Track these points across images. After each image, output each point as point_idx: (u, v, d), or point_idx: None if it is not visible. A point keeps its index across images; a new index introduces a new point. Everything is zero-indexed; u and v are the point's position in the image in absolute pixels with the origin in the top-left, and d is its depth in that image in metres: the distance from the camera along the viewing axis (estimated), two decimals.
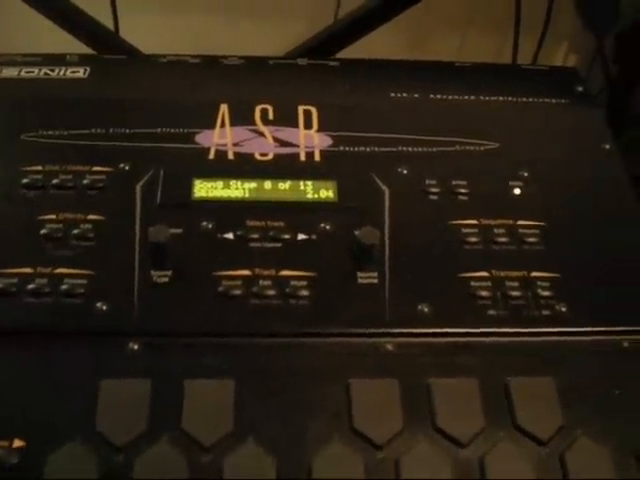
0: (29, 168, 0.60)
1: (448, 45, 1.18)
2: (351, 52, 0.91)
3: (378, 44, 0.97)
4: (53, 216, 0.58)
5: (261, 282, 0.55)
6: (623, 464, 0.49)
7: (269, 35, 1.10)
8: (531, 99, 0.69)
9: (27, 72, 0.68)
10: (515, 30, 0.97)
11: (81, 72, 0.68)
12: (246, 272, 0.56)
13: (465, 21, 1.16)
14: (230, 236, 0.57)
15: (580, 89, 0.70)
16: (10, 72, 0.67)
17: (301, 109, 0.66)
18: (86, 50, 0.86)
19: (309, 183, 0.60)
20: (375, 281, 0.56)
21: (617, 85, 0.98)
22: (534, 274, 0.57)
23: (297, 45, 0.94)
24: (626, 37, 0.98)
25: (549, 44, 1.07)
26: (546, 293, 0.56)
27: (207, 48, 0.73)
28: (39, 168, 0.60)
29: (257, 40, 1.02)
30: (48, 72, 0.68)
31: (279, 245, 0.57)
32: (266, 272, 0.56)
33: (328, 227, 0.58)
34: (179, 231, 0.57)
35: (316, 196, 0.60)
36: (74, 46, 0.85)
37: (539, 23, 1.01)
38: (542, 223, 0.60)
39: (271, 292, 0.55)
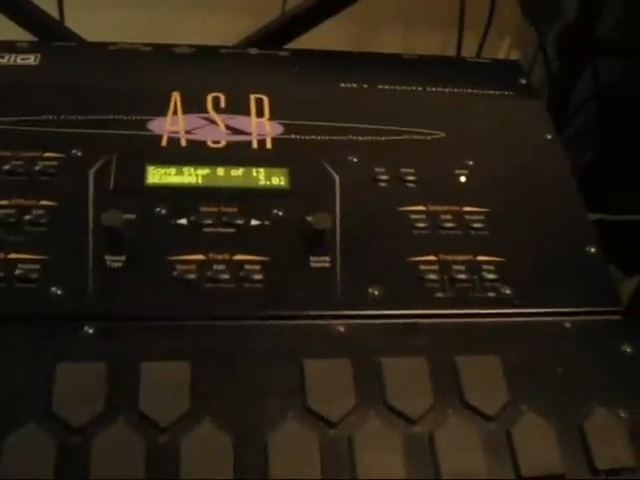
0: None
1: (393, 39, 1.21)
2: (297, 45, 0.92)
3: (324, 38, 0.98)
4: (5, 202, 0.57)
5: (215, 266, 0.56)
6: (566, 438, 0.52)
7: (215, 28, 1.11)
8: (476, 91, 0.71)
9: None
10: (459, 25, 0.99)
11: (32, 59, 0.68)
12: (200, 257, 0.56)
13: (410, 16, 1.18)
14: (184, 221, 0.58)
15: (523, 81, 0.73)
16: None
17: (253, 97, 0.67)
18: (30, 38, 0.85)
19: (261, 170, 0.61)
20: (327, 265, 0.57)
21: (558, 80, 1.01)
22: (480, 258, 0.59)
23: (245, 37, 0.94)
24: (567, 33, 1.01)
25: (492, 39, 1.09)
26: (491, 276, 0.58)
27: (152, 41, 0.73)
28: None
29: (203, 33, 1.02)
30: None
31: (233, 230, 0.58)
32: (220, 257, 0.57)
33: (280, 213, 0.59)
34: (133, 216, 0.57)
35: (268, 183, 0.61)
36: (16, 33, 0.85)
37: (482, 18, 1.04)
38: (487, 209, 0.62)
39: (225, 276, 0.56)
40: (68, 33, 0.92)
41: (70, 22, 0.95)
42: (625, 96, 1.00)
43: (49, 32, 0.90)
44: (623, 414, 0.53)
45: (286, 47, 0.86)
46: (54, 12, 0.94)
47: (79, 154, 0.61)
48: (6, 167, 0.59)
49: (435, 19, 1.16)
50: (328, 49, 0.75)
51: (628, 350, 0.56)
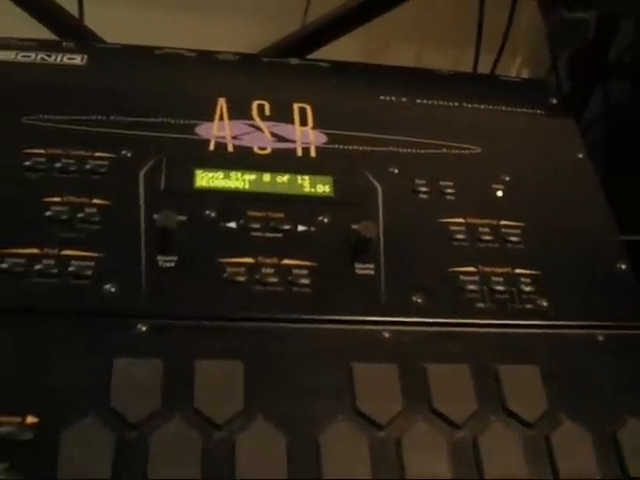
0: (31, 151, 0.61)
1: (405, 56, 1.23)
2: (313, 57, 0.93)
3: (338, 51, 1.00)
4: (58, 199, 0.59)
5: (264, 270, 0.58)
6: (601, 446, 0.54)
7: (235, 34, 1.12)
8: (509, 108, 0.73)
9: (24, 56, 0.68)
10: (477, 42, 1.01)
11: (78, 59, 0.69)
12: (249, 260, 0.58)
13: (423, 32, 1.21)
14: (233, 225, 0.59)
15: (554, 101, 0.75)
16: (6, 55, 0.68)
17: (296, 106, 0.68)
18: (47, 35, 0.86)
19: (306, 178, 0.63)
20: (372, 272, 0.59)
21: (569, 100, 1.04)
22: (517, 271, 0.61)
23: (267, 46, 0.96)
24: (580, 55, 1.04)
25: (503, 58, 1.12)
26: (528, 288, 0.60)
27: (167, 44, 0.74)
28: (41, 151, 0.61)
29: (222, 39, 1.04)
30: (45, 57, 0.68)
31: (280, 235, 0.60)
32: (269, 260, 0.58)
33: (326, 220, 0.61)
34: (183, 218, 0.59)
35: (313, 190, 0.63)
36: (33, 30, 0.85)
37: (494, 36, 1.06)
38: (522, 224, 0.64)
39: (273, 279, 0.57)
40: (87, 32, 0.93)
41: (89, 21, 0.96)
42: (635, 117, 1.03)
43: (68, 30, 0.91)
44: None
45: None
46: (74, 10, 0.95)
47: (129, 155, 0.62)
48: (57, 165, 0.61)
49: (448, 36, 1.19)
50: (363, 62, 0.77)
51: None
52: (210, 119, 0.66)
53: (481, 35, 1.02)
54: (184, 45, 0.74)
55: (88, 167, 0.61)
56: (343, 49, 1.02)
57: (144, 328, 0.54)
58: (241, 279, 0.57)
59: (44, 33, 0.88)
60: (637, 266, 0.93)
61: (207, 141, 0.64)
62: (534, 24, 1.12)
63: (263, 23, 1.12)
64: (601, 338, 0.60)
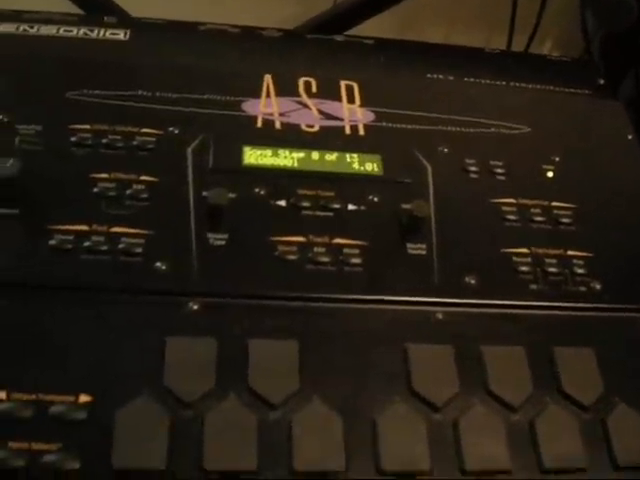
0: (77, 126, 0.60)
1: (434, 36, 1.21)
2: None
3: (366, 30, 0.99)
4: (105, 175, 0.58)
5: (315, 249, 0.57)
6: None
7: (266, 11, 1.11)
8: (557, 88, 0.72)
9: (65, 31, 0.67)
10: (510, 24, 1.00)
11: (121, 35, 0.68)
12: (300, 238, 0.57)
13: (452, 13, 1.19)
14: (283, 203, 0.59)
15: (601, 82, 0.74)
16: (48, 30, 0.67)
17: (343, 84, 0.67)
18: (70, 8, 0.85)
19: (355, 156, 0.62)
20: (424, 252, 0.58)
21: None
22: (570, 252, 0.60)
23: (299, 24, 0.95)
24: (613, 38, 1.02)
25: (535, 40, 1.10)
26: (581, 271, 0.59)
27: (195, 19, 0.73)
28: (87, 127, 0.60)
29: (251, 16, 1.02)
30: (87, 32, 0.67)
31: (330, 214, 0.59)
32: (320, 239, 0.57)
33: (376, 199, 0.60)
34: (233, 196, 0.58)
35: (362, 169, 0.62)
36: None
37: (525, 17, 1.05)
38: (574, 205, 0.63)
39: (325, 259, 0.56)
40: (115, 7, 0.92)
41: None
42: None
43: (95, 5, 0.89)
44: None
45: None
46: None
47: (176, 132, 0.61)
48: (104, 140, 0.60)
49: (479, 17, 1.17)
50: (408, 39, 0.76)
51: None
52: (257, 96, 0.65)
53: (515, 15, 1.00)
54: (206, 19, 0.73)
55: (135, 143, 0.60)
56: (372, 29, 1.01)
57: (195, 307, 0.53)
58: (292, 258, 0.56)
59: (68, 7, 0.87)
60: None
61: (254, 117, 0.63)
62: (565, 5, 1.10)
63: (293, 1, 1.10)
64: None
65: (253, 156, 0.61)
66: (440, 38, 1.20)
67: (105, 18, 0.69)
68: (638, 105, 1.06)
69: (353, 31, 0.93)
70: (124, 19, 0.71)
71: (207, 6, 1.09)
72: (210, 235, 0.56)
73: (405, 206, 0.59)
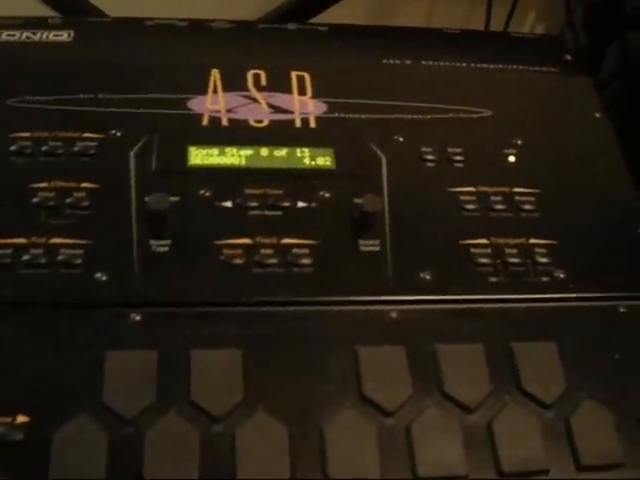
0: (17, 134, 0.58)
1: (415, 13, 1.18)
2: (318, 19, 0.89)
3: (344, 11, 0.96)
4: (45, 184, 0.56)
5: (262, 251, 0.55)
6: (625, 426, 0.51)
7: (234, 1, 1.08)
8: (521, 67, 0.69)
9: (8, 35, 0.65)
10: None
11: (65, 35, 0.66)
12: (247, 241, 0.55)
13: None
14: (229, 204, 0.56)
15: (568, 57, 0.71)
16: None
17: (294, 75, 0.65)
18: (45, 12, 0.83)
19: (306, 150, 0.60)
20: (377, 249, 0.56)
21: (586, 54, 0.99)
22: (532, 241, 0.58)
23: (268, 11, 0.92)
24: (596, 7, 0.98)
25: (516, 14, 1.07)
26: (544, 260, 0.57)
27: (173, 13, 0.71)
28: (27, 135, 0.58)
29: (218, 5, 0.99)
30: (30, 35, 0.65)
31: (279, 213, 0.57)
32: (267, 240, 0.55)
33: (327, 195, 0.58)
34: (176, 199, 0.56)
35: (313, 163, 0.59)
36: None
37: None
38: (537, 190, 0.60)
39: (273, 260, 0.54)
40: (91, 8, 0.90)
41: None
42: None
43: (71, 7, 0.87)
44: None
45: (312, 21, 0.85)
46: None
47: (118, 134, 0.59)
48: (44, 148, 0.58)
49: None
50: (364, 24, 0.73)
51: None
52: (203, 92, 0.63)
53: None
54: (184, 15, 0.70)
55: (76, 149, 0.58)
56: (348, 11, 0.98)
57: (138, 317, 0.52)
58: (239, 261, 0.54)
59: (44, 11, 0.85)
60: None
61: (200, 116, 0.61)
62: None
63: None
64: (623, 310, 0.56)
65: (199, 156, 0.58)
66: (421, 14, 1.17)
67: (49, 20, 0.67)
68: (623, 76, 1.03)
69: (327, 16, 0.91)
70: (73, 20, 0.69)
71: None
72: (152, 242, 0.54)
73: (357, 201, 0.56)
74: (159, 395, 0.48)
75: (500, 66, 0.69)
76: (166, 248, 0.54)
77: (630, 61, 1.01)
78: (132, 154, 0.58)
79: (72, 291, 0.52)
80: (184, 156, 0.58)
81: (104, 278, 0.52)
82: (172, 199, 0.55)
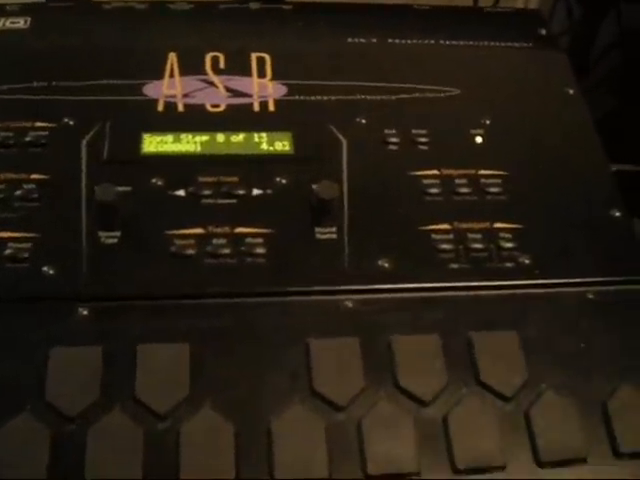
0: None
1: None
2: None
3: None
4: None
5: (215, 241, 0.53)
6: (588, 419, 0.49)
7: None
8: (493, 43, 0.66)
9: None
10: None
11: (22, 22, 0.64)
12: (199, 230, 0.53)
13: None
14: (181, 193, 0.55)
15: (543, 32, 0.68)
16: None
17: (254, 56, 0.63)
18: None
19: (264, 135, 0.58)
20: (334, 236, 0.54)
21: (580, 27, 0.96)
22: (497, 225, 0.55)
23: None
24: None
25: None
26: (509, 245, 0.55)
27: None
28: None
29: None
30: None
31: (233, 201, 0.55)
32: (220, 230, 0.53)
33: (284, 181, 0.56)
34: (127, 189, 0.54)
35: (271, 149, 0.57)
36: None
37: None
38: (504, 172, 0.58)
39: (226, 251, 0.53)
40: None
41: None
42: None
43: None
44: None
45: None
46: None
47: (71, 123, 0.58)
48: None
49: None
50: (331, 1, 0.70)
51: None
52: (159, 77, 0.61)
53: None
54: None
55: (28, 139, 0.57)
56: None
57: (85, 312, 0.50)
58: (190, 252, 0.53)
59: None
60: None
61: (155, 101, 0.59)
62: None
63: None
64: (591, 296, 0.54)
65: (152, 143, 0.57)
66: None
67: (7, 6, 0.66)
68: (618, 48, 0.99)
69: None
70: (31, 6, 0.67)
71: None
72: (101, 234, 0.53)
73: (314, 187, 0.55)
74: (103, 392, 0.47)
75: (471, 42, 0.66)
76: (115, 240, 0.53)
77: (625, 33, 0.98)
78: (84, 143, 0.56)
79: (19, 286, 0.51)
80: (137, 144, 0.57)
81: (51, 272, 0.51)
82: (123, 189, 0.54)
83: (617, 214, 0.57)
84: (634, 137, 0.97)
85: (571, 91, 0.63)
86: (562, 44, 0.68)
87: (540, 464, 0.47)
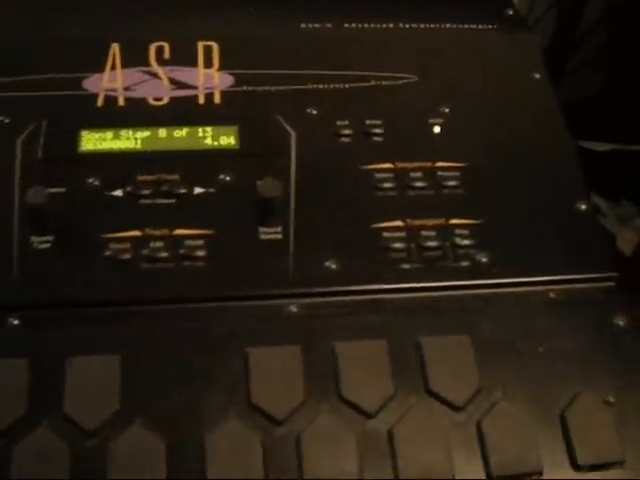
0: None
1: None
2: None
3: None
4: None
5: (152, 244, 0.50)
6: (545, 430, 0.46)
7: None
8: (455, 25, 0.63)
9: None
10: None
11: None
12: (136, 233, 0.51)
13: None
14: (119, 193, 0.52)
15: (510, 12, 0.64)
16: None
17: (201, 45, 0.60)
18: None
19: (208, 129, 0.55)
20: (279, 237, 0.51)
21: (567, 1, 0.92)
22: (453, 221, 0.52)
23: None
24: None
25: None
26: (465, 242, 0.52)
27: None
28: None
29: None
30: None
31: (173, 201, 0.52)
32: (158, 232, 0.51)
33: (228, 178, 0.53)
34: (62, 190, 0.52)
35: (216, 144, 0.54)
36: None
37: None
38: (463, 164, 0.55)
39: (163, 254, 0.50)
40: None
41: None
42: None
43: None
44: (612, 399, 0.47)
45: None
46: None
47: (7, 121, 0.55)
48: None
49: None
50: None
51: (621, 323, 0.50)
52: (100, 69, 0.58)
53: None
54: None
55: None
56: None
57: (16, 322, 0.48)
58: (126, 257, 0.50)
59: None
60: (637, 178, 0.84)
61: (95, 96, 0.56)
62: None
63: None
64: (553, 295, 0.51)
65: (91, 141, 0.54)
66: None
67: None
68: (609, 22, 0.96)
69: None
70: None
71: None
72: (33, 239, 0.50)
73: (257, 185, 0.52)
74: (30, 407, 0.44)
75: (432, 25, 0.62)
76: (48, 245, 0.50)
77: (613, 9, 0.93)
78: (19, 142, 0.54)
79: None
80: (75, 142, 0.54)
81: None
82: (57, 190, 0.51)
83: (583, 207, 0.54)
84: (624, 114, 0.94)
85: (538, 75, 0.60)
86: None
87: (492, 478, 0.44)
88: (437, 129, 0.56)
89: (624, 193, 0.92)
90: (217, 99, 0.57)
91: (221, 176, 0.53)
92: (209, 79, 0.58)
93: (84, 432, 0.44)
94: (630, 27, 0.90)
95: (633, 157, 0.90)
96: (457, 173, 0.54)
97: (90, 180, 0.52)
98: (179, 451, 0.44)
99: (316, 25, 0.62)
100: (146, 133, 0.54)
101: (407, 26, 0.62)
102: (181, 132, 0.55)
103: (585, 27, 0.94)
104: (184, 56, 0.59)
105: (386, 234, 0.52)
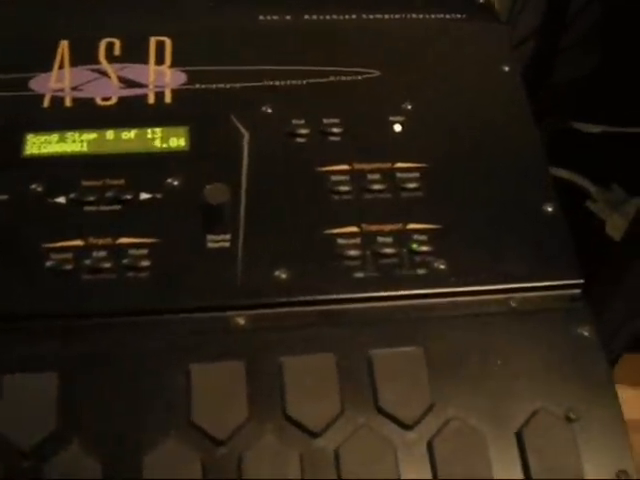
0: None
1: None
2: None
3: None
4: None
5: (95, 253, 0.48)
6: (501, 448, 0.44)
7: None
8: (421, 16, 0.60)
9: None
10: None
11: None
12: (78, 242, 0.49)
13: None
14: (62, 200, 0.50)
15: (481, 1, 0.61)
16: None
17: (153, 40, 0.57)
18: None
19: (157, 130, 0.53)
20: (227, 245, 0.49)
21: None
22: (411, 226, 0.50)
23: None
24: None
25: None
26: (423, 248, 0.49)
27: None
28: None
29: None
30: None
31: (117, 208, 0.50)
32: (101, 241, 0.49)
33: (176, 183, 0.51)
34: (5, 197, 0.50)
35: (165, 145, 0.52)
36: None
37: None
38: (423, 165, 0.52)
39: (106, 265, 0.48)
40: None
41: None
42: None
43: None
44: (573, 415, 0.45)
45: None
46: None
47: None
48: None
49: None
50: None
51: (586, 334, 0.47)
52: (48, 69, 0.55)
53: None
54: None
55: None
56: None
57: None
58: (67, 267, 0.48)
59: None
60: (636, 162, 0.81)
61: (42, 97, 0.54)
62: None
63: None
64: (514, 304, 0.48)
65: (36, 144, 0.52)
66: None
67: None
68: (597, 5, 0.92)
69: None
70: None
71: None
72: None
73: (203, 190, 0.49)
74: None
75: (397, 16, 0.59)
76: None
77: None
78: None
79: None
80: (19, 145, 0.52)
81: None
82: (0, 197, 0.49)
83: (549, 209, 0.51)
84: (615, 96, 0.90)
85: (506, 68, 0.57)
86: (499, 17, 0.61)
87: None
88: (398, 128, 0.54)
89: (615, 177, 0.89)
90: (168, 98, 0.54)
91: (169, 180, 0.51)
92: (160, 77, 0.55)
93: (18, 453, 0.42)
94: (622, 5, 0.87)
95: (626, 139, 0.87)
96: (417, 174, 0.52)
97: (33, 186, 0.50)
98: (116, 473, 0.42)
99: (275, 17, 0.59)
100: (93, 135, 0.52)
101: (370, 17, 0.59)
102: (129, 134, 0.52)
103: (576, 6, 0.91)
104: (135, 52, 0.56)
105: (340, 240, 0.49)
